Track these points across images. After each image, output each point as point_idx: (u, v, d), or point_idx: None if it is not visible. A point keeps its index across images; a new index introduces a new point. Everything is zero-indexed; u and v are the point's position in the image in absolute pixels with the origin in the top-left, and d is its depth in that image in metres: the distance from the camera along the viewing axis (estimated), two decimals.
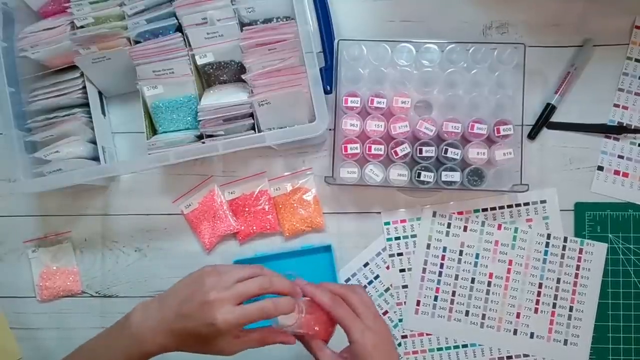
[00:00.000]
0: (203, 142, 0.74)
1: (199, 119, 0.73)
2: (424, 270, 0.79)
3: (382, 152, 0.75)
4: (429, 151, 0.75)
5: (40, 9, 0.76)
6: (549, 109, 0.79)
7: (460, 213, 0.79)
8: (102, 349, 0.61)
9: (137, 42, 0.75)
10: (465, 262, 0.79)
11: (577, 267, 0.78)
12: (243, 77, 0.73)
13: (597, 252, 0.78)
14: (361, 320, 0.61)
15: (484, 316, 0.78)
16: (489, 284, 0.78)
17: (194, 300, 0.57)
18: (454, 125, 0.75)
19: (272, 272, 0.61)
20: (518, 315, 0.78)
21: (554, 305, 0.78)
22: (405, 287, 0.79)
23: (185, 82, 0.75)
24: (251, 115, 0.74)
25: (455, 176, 0.74)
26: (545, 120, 0.79)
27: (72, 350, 0.65)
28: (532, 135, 0.79)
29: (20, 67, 0.76)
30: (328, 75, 0.75)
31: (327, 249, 0.79)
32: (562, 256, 0.78)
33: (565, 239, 0.78)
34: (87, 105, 0.78)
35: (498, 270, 0.78)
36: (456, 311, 0.78)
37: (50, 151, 0.75)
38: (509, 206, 0.79)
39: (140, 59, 0.74)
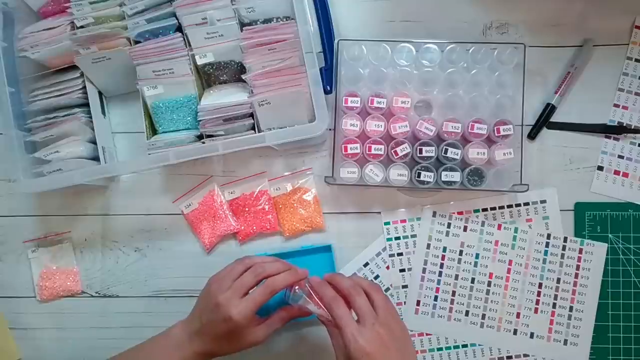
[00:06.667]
0: (203, 142, 0.74)
1: (199, 119, 0.73)
2: (424, 270, 0.79)
3: (382, 152, 0.75)
4: (429, 151, 0.75)
5: (40, 9, 0.76)
6: (549, 109, 0.79)
7: (460, 213, 0.79)
8: (146, 356, 0.68)
9: (137, 42, 0.75)
10: (465, 262, 0.79)
11: (577, 267, 0.78)
12: (243, 77, 0.73)
13: (597, 252, 0.78)
14: (356, 325, 0.60)
15: (484, 316, 0.78)
16: (489, 284, 0.78)
17: (208, 308, 0.65)
18: (454, 125, 0.75)
19: (263, 258, 0.70)
20: (518, 315, 0.78)
21: (554, 305, 0.78)
22: (405, 287, 0.79)
23: (185, 82, 0.75)
24: (251, 115, 0.74)
25: (455, 176, 0.74)
26: (545, 120, 0.79)
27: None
28: (532, 135, 0.79)
29: (20, 67, 0.76)
30: (328, 75, 0.75)
31: (327, 249, 0.79)
32: (562, 256, 0.78)
33: (565, 239, 0.78)
34: (87, 105, 0.78)
35: (498, 270, 0.78)
36: (456, 311, 0.78)
37: (50, 151, 0.75)
38: (509, 206, 0.79)
39: (140, 59, 0.74)
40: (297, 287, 0.68)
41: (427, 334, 0.79)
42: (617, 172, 0.79)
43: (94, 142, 0.78)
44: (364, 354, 0.58)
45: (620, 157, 0.79)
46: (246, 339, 0.65)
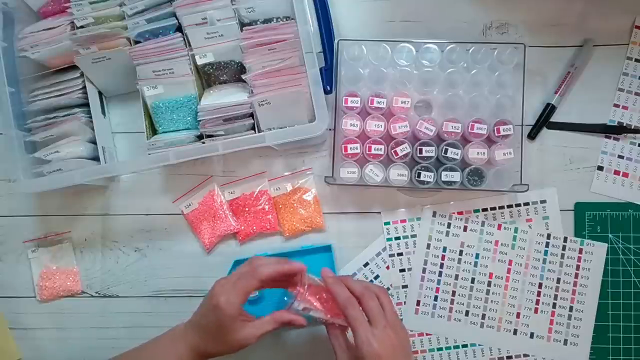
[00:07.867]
0: (203, 142, 0.74)
1: (199, 119, 0.73)
2: (424, 270, 0.79)
3: (382, 152, 0.75)
4: (429, 151, 0.75)
5: (40, 9, 0.76)
6: (549, 109, 0.79)
7: (460, 213, 0.79)
8: (148, 355, 0.68)
9: (137, 42, 0.75)
10: (465, 262, 0.79)
11: (577, 267, 0.78)
12: (243, 77, 0.73)
13: (597, 252, 0.78)
14: (369, 327, 0.61)
15: (484, 316, 0.78)
16: (489, 284, 0.78)
17: (207, 302, 0.65)
18: (454, 125, 0.75)
19: (271, 259, 0.67)
20: (518, 315, 0.78)
21: (554, 305, 0.78)
22: (405, 287, 0.79)
23: (185, 82, 0.75)
24: (251, 115, 0.74)
25: (455, 176, 0.74)
26: (545, 120, 0.79)
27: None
28: (532, 135, 0.79)
29: (20, 67, 0.76)
30: (328, 75, 0.75)
31: (327, 249, 0.79)
32: (562, 256, 0.78)
33: (565, 239, 0.78)
34: (87, 105, 0.78)
35: (498, 270, 0.78)
36: (456, 311, 0.78)
37: (50, 151, 0.75)
38: (509, 206, 0.79)
39: (140, 59, 0.74)
40: (298, 296, 0.65)
41: (427, 334, 0.79)
42: (617, 172, 0.79)
43: (94, 142, 0.78)
44: (375, 355, 0.59)
45: (620, 157, 0.79)
46: (235, 336, 0.64)
